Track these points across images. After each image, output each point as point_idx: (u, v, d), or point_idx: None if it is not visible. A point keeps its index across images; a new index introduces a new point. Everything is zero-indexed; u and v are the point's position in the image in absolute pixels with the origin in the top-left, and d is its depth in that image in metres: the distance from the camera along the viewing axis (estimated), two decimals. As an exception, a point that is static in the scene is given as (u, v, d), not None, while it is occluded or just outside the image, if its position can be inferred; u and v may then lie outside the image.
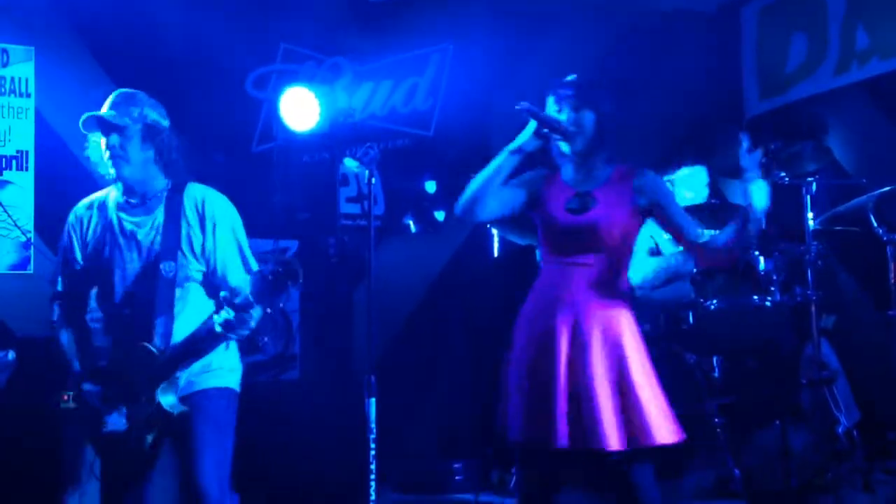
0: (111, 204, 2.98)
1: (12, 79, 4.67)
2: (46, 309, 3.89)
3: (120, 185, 2.95)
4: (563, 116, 2.94)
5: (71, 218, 3.02)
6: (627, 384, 2.76)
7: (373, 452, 2.87)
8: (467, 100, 5.61)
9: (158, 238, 2.88)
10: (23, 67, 4.69)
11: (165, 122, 2.97)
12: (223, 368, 2.92)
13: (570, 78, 3.02)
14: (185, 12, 4.89)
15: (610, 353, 2.81)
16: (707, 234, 3.05)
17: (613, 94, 3.02)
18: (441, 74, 5.67)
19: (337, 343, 4.89)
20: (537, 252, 3.21)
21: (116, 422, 2.79)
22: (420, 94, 5.68)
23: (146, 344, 2.80)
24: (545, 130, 2.91)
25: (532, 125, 2.92)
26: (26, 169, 4.68)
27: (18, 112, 4.67)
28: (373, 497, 2.83)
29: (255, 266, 2.94)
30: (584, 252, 2.89)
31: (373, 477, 2.86)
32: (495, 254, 5.21)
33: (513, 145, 2.94)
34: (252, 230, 4.89)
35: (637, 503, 2.78)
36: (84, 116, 2.86)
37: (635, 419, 2.73)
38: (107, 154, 2.88)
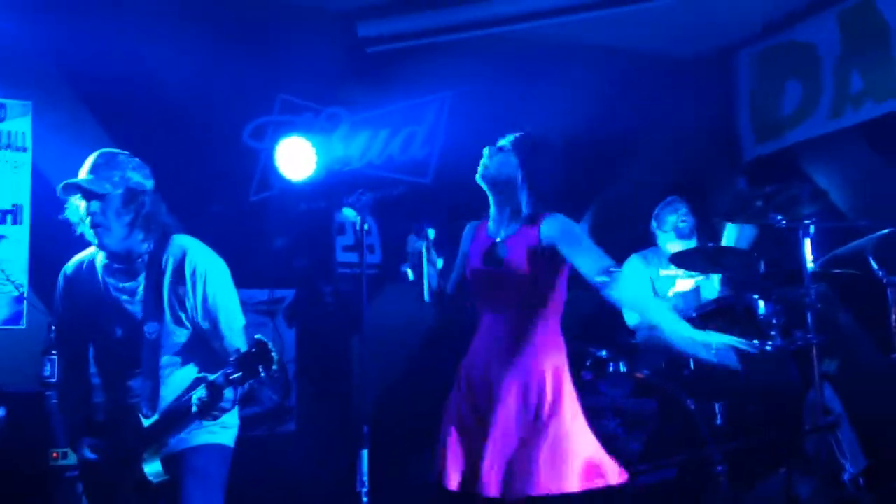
0: (99, 266, 2.94)
1: (9, 133, 4.68)
2: (38, 364, 3.88)
3: None
4: (485, 158, 3.06)
5: (60, 279, 3.00)
6: (529, 432, 2.81)
7: (365, 506, 2.80)
8: (465, 147, 5.59)
9: (142, 302, 2.83)
10: (20, 122, 4.71)
11: (149, 184, 2.89)
12: (217, 425, 2.87)
13: (507, 137, 3.10)
14: (182, 64, 4.93)
15: (521, 403, 2.84)
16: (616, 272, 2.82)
17: (548, 152, 3.06)
18: (439, 123, 5.70)
19: (334, 393, 4.84)
20: None
21: (108, 478, 2.77)
22: (417, 142, 5.69)
23: (135, 409, 2.78)
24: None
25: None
26: (21, 223, 4.68)
27: (14, 165, 4.69)
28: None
29: (240, 321, 2.90)
30: (501, 302, 2.93)
31: (365, 533, 2.78)
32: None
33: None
34: (249, 279, 4.89)
35: None
36: (63, 183, 2.80)
37: (518, 468, 2.78)
38: (88, 220, 2.81)
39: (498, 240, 2.98)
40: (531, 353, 2.86)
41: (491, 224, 3.07)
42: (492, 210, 3.07)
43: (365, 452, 2.86)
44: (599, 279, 2.78)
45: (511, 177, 2.98)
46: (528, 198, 2.96)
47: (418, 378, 5.38)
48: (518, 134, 3.07)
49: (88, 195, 2.80)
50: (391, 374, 5.16)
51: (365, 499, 2.80)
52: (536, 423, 2.81)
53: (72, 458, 3.23)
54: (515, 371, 2.85)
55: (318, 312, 4.94)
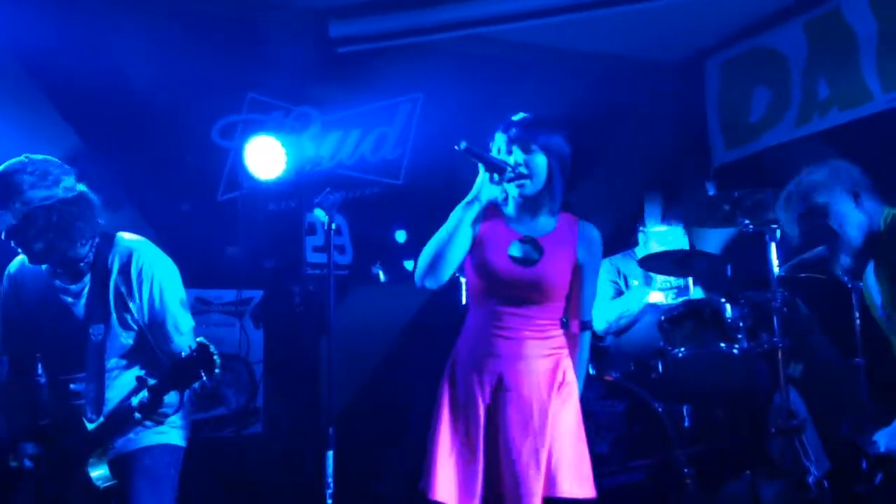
0: (43, 266, 2.87)
1: (-31, 128, 4.59)
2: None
3: None
4: (511, 158, 2.71)
5: (4, 279, 2.94)
6: (542, 437, 2.64)
7: (330, 507, 2.77)
8: (436, 149, 5.60)
9: (87, 304, 2.79)
10: (-19, 116, 4.62)
11: (59, 190, 2.71)
12: (166, 424, 2.83)
13: (519, 116, 2.80)
14: (150, 61, 4.88)
15: (532, 405, 2.68)
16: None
17: (568, 137, 2.84)
18: (410, 124, 5.68)
19: (302, 395, 4.81)
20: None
21: (51, 485, 2.72)
22: (389, 143, 5.67)
23: (79, 413, 2.73)
24: (496, 177, 2.66)
25: (484, 175, 2.67)
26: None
27: (-25, 161, 4.59)
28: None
29: (188, 323, 2.86)
30: (524, 303, 2.72)
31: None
32: (464, 301, 5.17)
33: (469, 196, 2.69)
34: (217, 279, 4.83)
35: None
36: None
37: (544, 471, 2.61)
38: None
39: (532, 236, 2.77)
40: (545, 354, 2.73)
41: (510, 216, 2.82)
42: (512, 205, 2.81)
43: (330, 454, 2.83)
44: (581, 323, 2.84)
45: (546, 180, 2.76)
46: (559, 197, 2.80)
47: (386, 380, 5.37)
48: (527, 118, 2.78)
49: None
50: (359, 376, 5.14)
51: (330, 500, 2.77)
52: (544, 429, 2.68)
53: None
54: (529, 374, 2.70)
55: (286, 313, 4.90)
